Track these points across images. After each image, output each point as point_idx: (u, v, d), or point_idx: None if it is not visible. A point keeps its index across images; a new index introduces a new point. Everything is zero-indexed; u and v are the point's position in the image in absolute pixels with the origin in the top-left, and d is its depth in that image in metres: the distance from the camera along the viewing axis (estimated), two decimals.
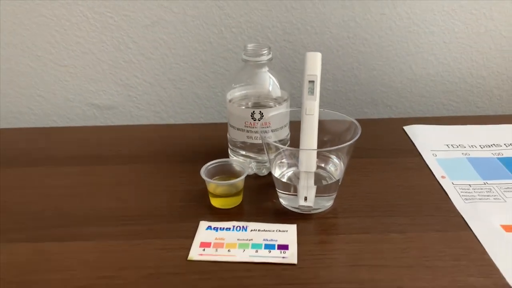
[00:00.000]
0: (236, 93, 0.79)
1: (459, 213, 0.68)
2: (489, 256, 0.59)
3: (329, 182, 0.71)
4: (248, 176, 0.76)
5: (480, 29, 1.02)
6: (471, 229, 0.65)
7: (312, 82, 0.70)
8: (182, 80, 1.07)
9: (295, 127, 0.73)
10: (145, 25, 1.01)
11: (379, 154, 0.86)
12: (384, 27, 1.02)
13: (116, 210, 0.72)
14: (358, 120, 0.69)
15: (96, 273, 0.59)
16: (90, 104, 1.09)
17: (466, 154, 0.84)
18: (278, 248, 0.62)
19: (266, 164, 0.80)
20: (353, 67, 1.05)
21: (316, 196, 0.68)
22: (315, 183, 0.68)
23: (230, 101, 0.78)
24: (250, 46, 0.76)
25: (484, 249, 0.61)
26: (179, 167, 0.84)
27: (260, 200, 0.74)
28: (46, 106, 1.09)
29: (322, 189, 0.69)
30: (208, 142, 0.91)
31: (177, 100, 1.09)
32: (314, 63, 0.71)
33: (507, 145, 0.86)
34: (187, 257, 0.61)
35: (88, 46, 1.03)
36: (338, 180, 0.70)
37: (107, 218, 0.70)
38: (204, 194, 0.73)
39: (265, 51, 0.75)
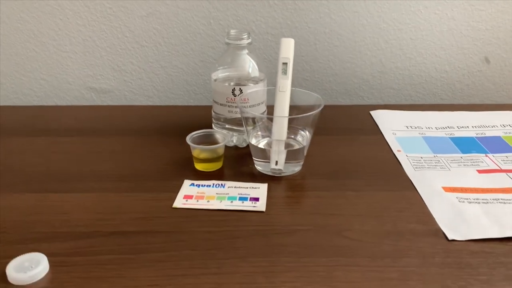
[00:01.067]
0: (219, 74, 0.90)
1: (408, 178, 0.79)
2: (428, 209, 0.70)
3: (297, 148, 0.82)
4: (229, 147, 0.88)
5: (443, 27, 1.13)
6: (416, 190, 0.76)
7: (285, 64, 0.80)
8: (174, 67, 1.16)
9: (272, 111, 0.82)
10: (140, 15, 1.11)
11: (345, 132, 0.96)
12: (357, 24, 1.12)
13: (111, 171, 0.82)
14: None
15: (93, 216, 0.69)
16: (88, 88, 1.18)
17: (422, 133, 0.95)
18: (250, 200, 0.73)
19: (245, 136, 0.90)
20: (328, 59, 1.16)
21: (286, 163, 0.79)
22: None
23: (215, 80, 0.89)
24: (232, 31, 0.87)
25: (425, 204, 0.72)
26: (168, 138, 0.93)
27: (239, 166, 0.84)
28: (47, 88, 1.18)
29: (290, 155, 0.79)
30: (195, 120, 0.99)
31: (168, 85, 1.18)
32: (288, 47, 0.81)
33: (459, 127, 0.97)
34: (172, 206, 0.72)
35: (88, 34, 1.13)
36: (304, 147, 0.81)
37: (103, 176, 0.81)
38: (189, 160, 0.83)
39: (245, 36, 0.86)
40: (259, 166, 0.82)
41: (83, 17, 1.11)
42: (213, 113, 0.92)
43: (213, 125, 0.93)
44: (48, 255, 0.58)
